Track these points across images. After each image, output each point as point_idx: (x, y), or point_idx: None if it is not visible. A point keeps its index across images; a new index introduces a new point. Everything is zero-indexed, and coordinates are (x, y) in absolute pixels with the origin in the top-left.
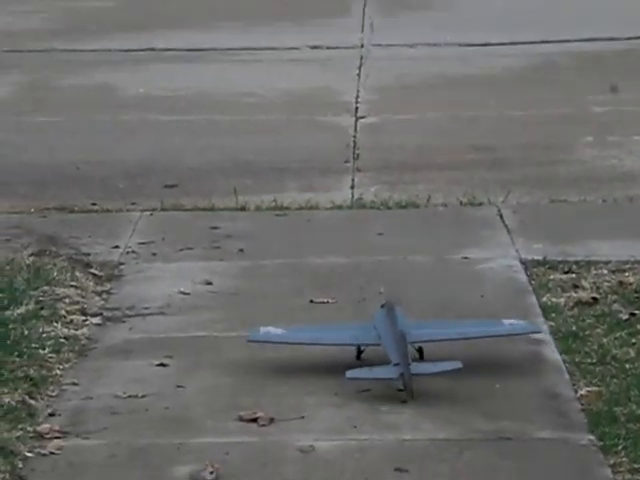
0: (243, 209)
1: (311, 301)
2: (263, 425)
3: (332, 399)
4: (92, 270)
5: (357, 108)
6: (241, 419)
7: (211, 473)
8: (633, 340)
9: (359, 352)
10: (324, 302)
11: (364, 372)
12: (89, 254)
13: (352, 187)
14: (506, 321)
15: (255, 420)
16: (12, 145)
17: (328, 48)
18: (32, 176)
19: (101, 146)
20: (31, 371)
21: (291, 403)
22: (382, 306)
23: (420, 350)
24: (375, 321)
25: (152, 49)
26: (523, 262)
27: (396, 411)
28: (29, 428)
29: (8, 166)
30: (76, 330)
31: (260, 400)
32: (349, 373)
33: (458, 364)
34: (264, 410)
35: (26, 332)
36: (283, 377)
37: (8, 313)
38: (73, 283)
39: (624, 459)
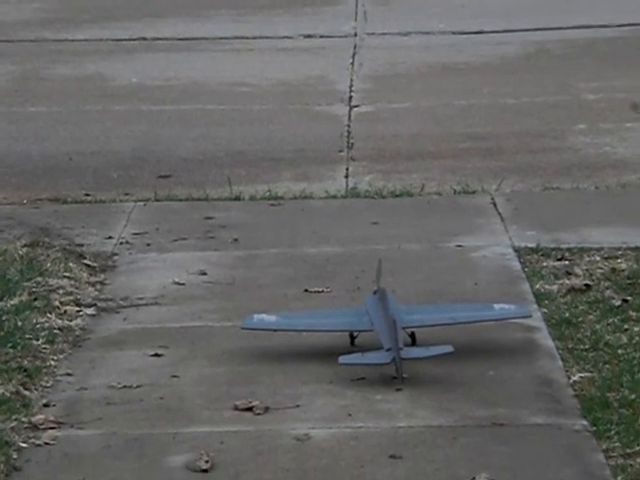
0: (237, 199)
1: (306, 290)
2: (258, 414)
3: (327, 387)
4: (86, 261)
5: (351, 97)
6: (236, 408)
7: (206, 462)
8: (625, 326)
9: (352, 338)
10: (319, 291)
11: (357, 358)
12: (82, 245)
13: (346, 176)
14: (497, 305)
15: (250, 409)
16: (4, 136)
17: (321, 37)
18: (24, 167)
19: (94, 136)
20: (25, 362)
21: (286, 392)
22: (374, 292)
23: (412, 335)
24: (367, 307)
25: (144, 38)
26: (516, 250)
27: (390, 399)
28: (23, 419)
29: (0, 157)
30: (70, 321)
31: (255, 389)
32: (342, 359)
33: (449, 348)
34: (259, 399)
35: (20, 323)
36: (278, 366)
37: (1, 304)
38: (67, 274)
39: (617, 444)
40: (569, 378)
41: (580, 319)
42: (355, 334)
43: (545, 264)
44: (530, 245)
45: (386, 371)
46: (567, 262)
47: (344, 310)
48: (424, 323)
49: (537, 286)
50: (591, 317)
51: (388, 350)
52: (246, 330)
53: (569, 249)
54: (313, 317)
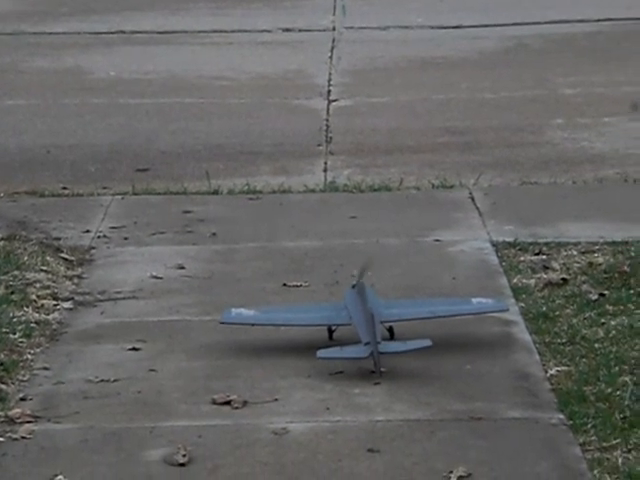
0: (215, 193)
1: (284, 284)
2: (236, 408)
3: (305, 381)
4: (63, 254)
5: (329, 91)
6: (214, 402)
7: (184, 456)
8: (602, 320)
9: (331, 332)
10: (297, 285)
11: (335, 352)
12: (60, 238)
13: (325, 170)
14: (475, 299)
15: (228, 403)
16: None
17: (300, 31)
18: (1, 160)
19: (71, 130)
20: (2, 356)
21: (264, 386)
22: (353, 286)
23: (391, 329)
24: (346, 301)
25: (122, 32)
26: (494, 244)
27: (368, 393)
28: (0, 413)
29: None
30: (47, 315)
31: (233, 383)
32: (320, 353)
33: (427, 342)
34: (237, 393)
35: None
36: (256, 360)
37: None
38: (44, 267)
39: (593, 438)
40: (546, 372)
41: (557, 313)
42: (333, 328)
43: (522, 258)
44: (508, 239)
45: (364, 365)
46: (544, 256)
47: (322, 304)
48: (402, 317)
49: (514, 280)
50: (568, 311)
51: (366, 344)
52: (225, 324)
53: (546, 243)
54: (291, 311)
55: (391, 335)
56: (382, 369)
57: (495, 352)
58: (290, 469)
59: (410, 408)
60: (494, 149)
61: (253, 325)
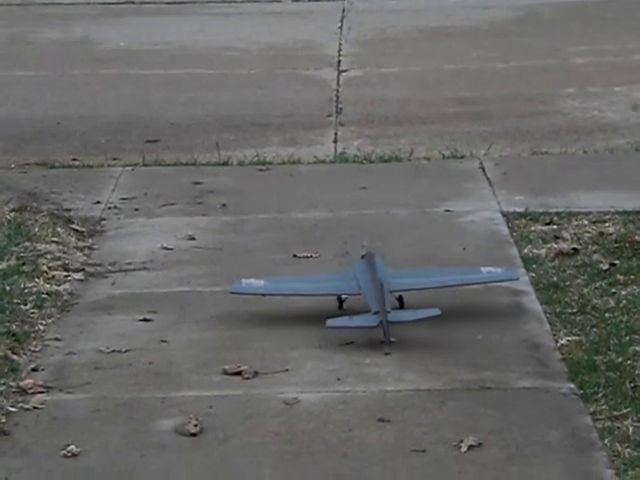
0: (225, 164)
1: (294, 255)
2: (247, 378)
3: (315, 352)
4: (74, 226)
5: (339, 61)
6: (225, 372)
7: (195, 426)
8: (613, 290)
9: (341, 302)
10: (307, 256)
11: (344, 321)
12: (70, 210)
13: (335, 141)
14: (484, 268)
15: (239, 373)
16: None
17: (310, 0)
18: (12, 131)
19: (81, 101)
20: (13, 327)
21: (275, 356)
22: (363, 257)
23: (400, 299)
24: (355, 271)
25: (132, 2)
26: (504, 214)
27: (379, 363)
28: (12, 383)
29: None
30: (58, 286)
31: (244, 354)
32: (329, 322)
33: (436, 311)
34: (248, 363)
35: (8, 288)
36: (267, 330)
37: None
38: (55, 239)
39: (604, 407)
40: (556, 342)
41: (568, 283)
42: (343, 297)
43: (533, 228)
44: (518, 210)
45: (374, 335)
46: (555, 226)
47: (332, 274)
48: (412, 287)
49: (525, 250)
50: (579, 281)
51: (375, 313)
52: (234, 294)
53: (557, 213)
54: (301, 282)
55: (401, 304)
56: (392, 339)
57: (506, 322)
58: (301, 439)
59: (420, 378)
60: (505, 119)
61: (263, 295)
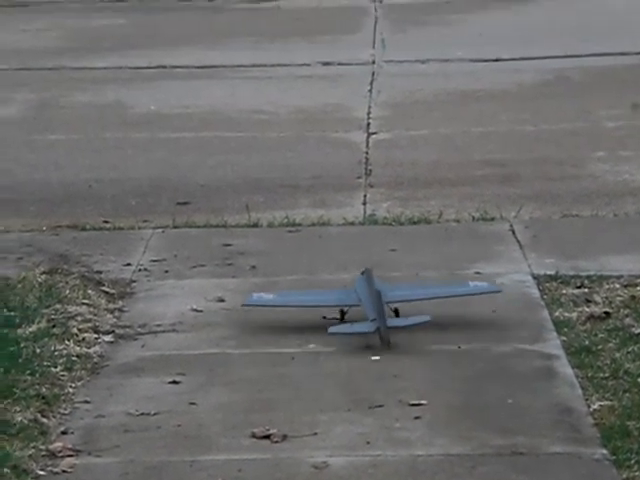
0: (255, 226)
1: (324, 317)
2: (276, 442)
3: (345, 415)
4: (104, 288)
5: (369, 124)
6: (254, 436)
7: None
8: None
9: (343, 314)
10: (336, 318)
11: (345, 327)
12: (101, 272)
13: (364, 203)
14: (471, 283)
15: (268, 437)
16: (24, 163)
17: (339, 64)
18: (44, 194)
19: (112, 164)
20: (43, 389)
21: (304, 419)
22: (362, 273)
23: (396, 311)
24: (356, 286)
25: (163, 66)
26: (535, 277)
27: (409, 427)
28: (41, 446)
29: (20, 184)
30: (88, 348)
31: (273, 416)
32: (331, 329)
33: (427, 317)
34: (277, 427)
35: (38, 350)
36: (295, 393)
37: (20, 331)
38: (85, 301)
39: (637, 473)
40: (589, 406)
41: (600, 347)
42: (345, 310)
43: (564, 291)
44: (549, 272)
45: (371, 341)
46: (586, 290)
47: (335, 290)
48: (405, 298)
49: (556, 314)
50: (611, 345)
51: (372, 320)
52: (247, 306)
53: (588, 277)
54: (308, 295)
55: (396, 315)
56: (390, 341)
57: (537, 386)
58: None
59: (451, 442)
60: (534, 182)
61: (273, 307)
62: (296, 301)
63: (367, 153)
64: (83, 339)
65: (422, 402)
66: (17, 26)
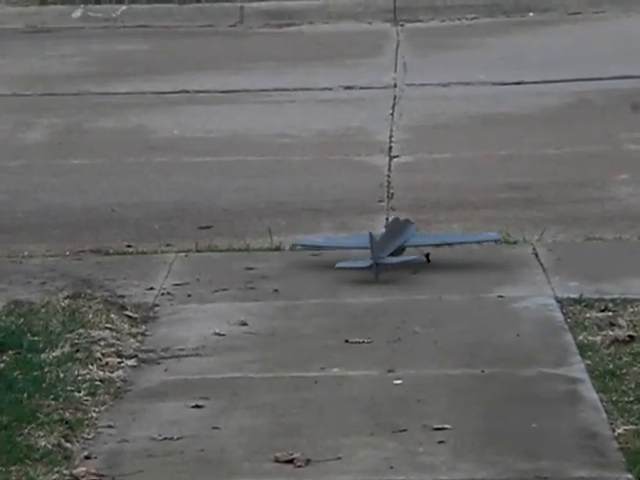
0: (278, 249)
1: (346, 341)
2: (299, 466)
3: (368, 439)
4: (127, 312)
5: (391, 147)
6: (277, 460)
7: None
8: None
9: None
10: (359, 342)
11: (349, 263)
12: (124, 296)
13: (386, 227)
14: (478, 234)
15: (291, 461)
16: (47, 188)
17: (361, 88)
18: (67, 219)
19: (135, 188)
20: (67, 414)
21: (327, 444)
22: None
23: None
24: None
25: (186, 91)
26: (559, 300)
27: (433, 451)
28: (65, 471)
29: (43, 209)
30: (111, 372)
31: (296, 441)
32: (338, 264)
33: (422, 259)
34: (300, 451)
35: (61, 375)
36: (319, 417)
37: (44, 356)
38: (108, 325)
39: None
40: (613, 431)
41: (624, 371)
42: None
43: (588, 315)
44: (573, 296)
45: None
46: (610, 313)
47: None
48: (417, 243)
49: (580, 337)
50: (635, 369)
51: (371, 258)
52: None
53: (612, 300)
54: (350, 239)
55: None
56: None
57: (561, 410)
58: None
59: (475, 467)
60: (557, 205)
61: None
62: (340, 243)
63: (389, 176)
64: (106, 363)
65: (446, 426)
66: (42, 52)
